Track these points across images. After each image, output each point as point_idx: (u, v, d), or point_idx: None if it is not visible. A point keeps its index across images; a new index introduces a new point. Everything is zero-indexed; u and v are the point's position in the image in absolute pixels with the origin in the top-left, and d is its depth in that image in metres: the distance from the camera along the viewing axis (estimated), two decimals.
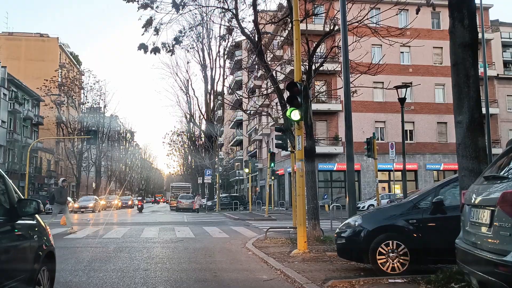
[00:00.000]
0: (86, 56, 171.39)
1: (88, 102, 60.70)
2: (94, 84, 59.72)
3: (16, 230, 4.27)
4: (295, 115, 10.26)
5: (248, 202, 44.37)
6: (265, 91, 19.45)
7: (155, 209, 48.30)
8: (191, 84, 62.72)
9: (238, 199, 40.65)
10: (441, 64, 41.89)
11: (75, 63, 74.52)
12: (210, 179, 39.18)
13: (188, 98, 45.24)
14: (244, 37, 17.39)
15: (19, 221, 4.36)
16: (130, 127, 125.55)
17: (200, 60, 44.45)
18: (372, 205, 34.32)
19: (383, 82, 42.82)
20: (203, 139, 50.25)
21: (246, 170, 30.11)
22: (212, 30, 47.98)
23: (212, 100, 44.57)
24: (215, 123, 45.65)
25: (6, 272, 3.84)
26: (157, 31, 13.70)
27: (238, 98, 30.27)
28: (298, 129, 10.70)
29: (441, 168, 40.98)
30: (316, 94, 41.70)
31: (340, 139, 39.13)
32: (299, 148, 10.72)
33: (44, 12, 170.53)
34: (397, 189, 40.09)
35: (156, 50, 13.62)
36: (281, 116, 17.78)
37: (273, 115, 22.28)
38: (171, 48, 14.56)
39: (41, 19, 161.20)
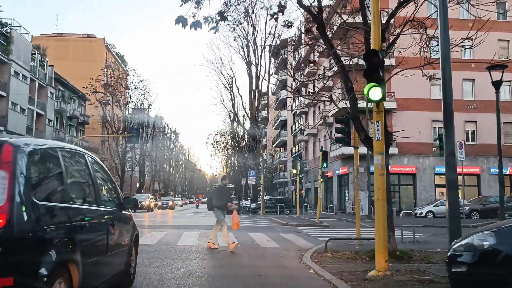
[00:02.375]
0: (132, 57, 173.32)
1: (132, 101, 59.90)
2: (138, 83, 58.89)
3: (125, 218, 6.31)
4: (376, 93, 7.73)
5: (294, 206, 41.86)
6: (323, 74, 16.54)
7: (197, 210, 46.50)
8: (235, 81, 60.76)
9: (283, 202, 38.17)
10: (507, 58, 37.91)
11: (121, 63, 74.24)
12: (254, 180, 36.92)
13: (232, 96, 43.30)
14: (295, 19, 14.84)
15: (124, 211, 6.27)
16: (175, 128, 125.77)
17: (245, 57, 42.38)
18: (431, 211, 31.05)
19: (440, 79, 39.34)
20: (246, 139, 48.13)
21: (294, 171, 27.61)
22: (258, 25, 45.86)
23: (256, 99, 42.33)
24: (259, 123, 43.36)
25: (120, 240, 5.81)
26: (198, 3, 11.43)
27: (299, 82, 27.47)
28: (377, 112, 8.19)
29: (507, 172, 36.98)
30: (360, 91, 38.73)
31: (394, 139, 35.94)
32: (378, 138, 8.18)
33: (92, 13, 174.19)
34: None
35: (196, 25, 11.30)
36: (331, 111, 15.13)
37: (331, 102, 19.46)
38: (216, 23, 12.26)
39: (89, 21, 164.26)
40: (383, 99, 7.78)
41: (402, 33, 11.20)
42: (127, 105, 59.04)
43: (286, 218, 27.82)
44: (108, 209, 5.54)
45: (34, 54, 48.60)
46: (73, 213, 4.30)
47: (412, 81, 39.20)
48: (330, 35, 21.42)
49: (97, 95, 55.22)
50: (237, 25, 37.92)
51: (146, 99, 59.99)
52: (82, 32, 72.97)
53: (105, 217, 5.35)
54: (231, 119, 46.16)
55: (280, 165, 70.98)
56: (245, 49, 42.35)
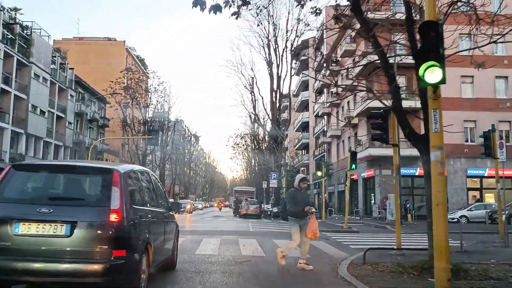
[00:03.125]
0: (151, 59, 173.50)
1: (152, 104, 59.17)
2: (158, 85, 58.12)
3: (172, 217, 8.28)
4: (434, 74, 6.26)
5: (317, 210, 40.26)
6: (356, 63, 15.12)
7: (217, 214, 45.29)
8: (256, 82, 59.55)
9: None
10: None
11: (141, 66, 73.77)
12: (276, 183, 35.51)
13: (253, 97, 42.08)
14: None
15: (170, 212, 8.21)
16: (195, 131, 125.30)
17: (266, 57, 41.07)
18: (465, 216, 29.19)
19: (473, 76, 37.45)
20: (267, 141, 46.85)
21: (319, 173, 26.10)
22: (279, 24, 44.50)
23: (278, 99, 40.97)
24: (280, 125, 41.98)
25: (170, 234, 7.67)
26: None
27: (333, 71, 26.10)
28: (434, 99, 6.72)
29: None
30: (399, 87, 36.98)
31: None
32: (436, 130, 6.71)
33: (113, 17, 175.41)
34: (490, 198, 34.51)
35: (216, 8, 10.03)
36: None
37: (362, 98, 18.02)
38: (237, 8, 10.96)
39: (111, 24, 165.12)
40: (443, 81, 6.32)
41: (452, 12, 9.70)
42: (147, 108, 58.21)
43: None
44: (163, 211, 7.43)
45: (55, 57, 48.21)
46: (148, 213, 6.26)
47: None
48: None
49: (117, 97, 54.59)
50: (260, 10, 36.77)
51: (166, 101, 59.14)
52: (102, 35, 72.41)
53: (162, 216, 7.25)
54: (252, 120, 44.97)
55: (302, 168, 69.40)
56: (266, 49, 41.09)
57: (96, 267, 4.91)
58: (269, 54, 41.07)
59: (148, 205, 6.48)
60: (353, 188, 41.55)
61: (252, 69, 54.61)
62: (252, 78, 42.21)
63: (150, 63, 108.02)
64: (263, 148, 48.42)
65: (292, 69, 43.51)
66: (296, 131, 69.38)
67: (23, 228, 4.93)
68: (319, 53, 56.72)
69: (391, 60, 14.72)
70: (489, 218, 25.38)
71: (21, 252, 4.87)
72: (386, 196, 34.07)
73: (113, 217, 5.07)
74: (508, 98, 35.45)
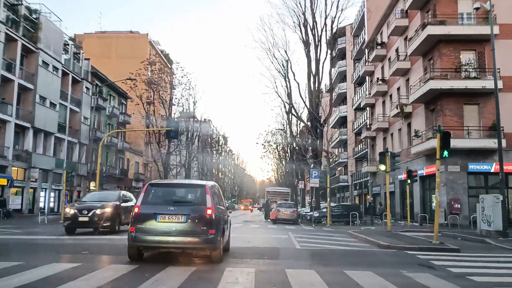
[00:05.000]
0: (176, 53, 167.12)
1: (176, 98, 53.56)
2: (182, 77, 52.47)
3: (227, 213, 11.19)
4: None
5: (366, 214, 33.57)
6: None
7: (248, 219, 38.98)
8: (290, 66, 52.96)
9: (353, 210, 29.97)
10: None
11: (166, 61, 68.39)
12: (317, 183, 28.99)
13: (288, 83, 35.70)
14: None
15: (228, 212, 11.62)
16: (223, 132, 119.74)
17: (302, 37, 34.65)
18: None
19: None
20: (304, 135, 40.45)
21: (382, 167, 19.46)
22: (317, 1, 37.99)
23: (317, 85, 34.46)
24: (319, 114, 35.44)
25: (228, 223, 10.98)
26: None
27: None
28: None
29: None
30: (460, 65, 30.05)
31: (501, 128, 27.06)
32: None
33: (136, 11, 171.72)
34: None
35: None
36: None
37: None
38: None
39: (134, 19, 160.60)
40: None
41: None
42: (171, 102, 52.53)
43: (370, 232, 19.71)
44: (225, 209, 11.05)
45: (68, 45, 43.06)
46: (222, 210, 10.08)
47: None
48: None
49: (138, 91, 49.10)
50: None
51: (191, 95, 53.37)
52: (125, 29, 67.59)
53: (225, 212, 10.82)
54: (287, 110, 38.47)
55: (339, 168, 62.52)
56: (302, 28, 34.66)
57: (200, 239, 8.76)
58: (306, 33, 34.64)
59: (221, 204, 10.52)
60: (404, 189, 34.67)
61: (286, 52, 47.50)
62: (287, 61, 35.58)
63: (175, 57, 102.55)
64: (299, 144, 41.99)
65: (334, 50, 36.81)
66: (332, 127, 62.58)
67: (161, 218, 8.79)
68: (359, 39, 49.84)
69: None
70: None
71: (160, 232, 8.75)
72: (456, 197, 27.14)
73: (209, 212, 8.96)
74: None
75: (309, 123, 35.48)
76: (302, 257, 10.88)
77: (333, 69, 62.45)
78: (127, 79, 36.85)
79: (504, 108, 27.59)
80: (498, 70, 27.63)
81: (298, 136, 45.69)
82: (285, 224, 29.19)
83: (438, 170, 14.27)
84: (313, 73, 34.78)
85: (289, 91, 35.96)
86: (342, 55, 57.78)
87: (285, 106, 37.97)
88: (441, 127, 29.17)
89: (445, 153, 13.80)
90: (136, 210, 8.99)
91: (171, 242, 8.75)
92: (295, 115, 37.57)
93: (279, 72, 35.71)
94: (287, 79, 35.84)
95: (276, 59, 35.83)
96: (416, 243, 13.64)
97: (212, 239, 8.75)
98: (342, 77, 58.37)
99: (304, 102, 35.85)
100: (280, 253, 11.41)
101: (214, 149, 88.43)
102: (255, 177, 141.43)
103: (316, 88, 34.54)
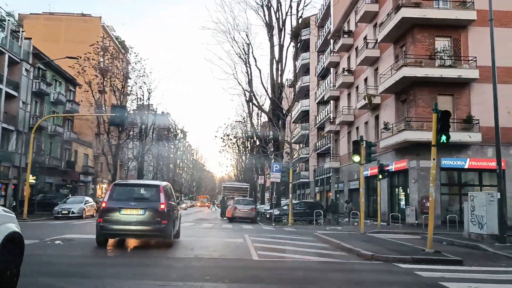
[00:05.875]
0: (132, 43, 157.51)
1: (129, 86, 49.22)
2: (136, 63, 48.19)
3: (176, 207, 13.28)
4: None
5: (329, 212, 30.76)
6: None
7: (202, 217, 35.45)
8: (252, 51, 49.53)
9: (316, 207, 27.02)
10: None
11: (120, 47, 63.57)
12: (279, 177, 25.86)
13: (249, 69, 32.28)
14: None
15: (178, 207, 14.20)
16: (182, 126, 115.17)
17: (265, 19, 31.42)
18: None
19: None
20: (265, 127, 37.28)
21: (356, 158, 16.43)
22: None
23: (279, 72, 31.33)
24: (282, 104, 32.36)
25: (178, 215, 13.36)
26: None
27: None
28: None
29: None
30: (435, 52, 27.62)
31: (476, 122, 24.82)
32: None
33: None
34: None
35: None
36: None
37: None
38: None
39: (88, 2, 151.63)
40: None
41: None
42: (123, 89, 48.10)
43: (341, 235, 16.66)
44: (175, 204, 13.15)
45: (4, 21, 38.09)
46: (173, 205, 12.30)
47: (497, 43, 26.07)
48: None
49: (87, 77, 44.55)
50: None
51: (145, 82, 49.05)
52: (76, 11, 62.30)
53: (176, 207, 12.96)
54: (247, 99, 35.10)
55: (300, 164, 59.84)
56: (266, 10, 31.43)
57: (155, 227, 10.80)
58: (269, 16, 31.44)
59: (172, 201, 12.50)
60: (370, 186, 32.17)
61: (247, 35, 44.08)
62: (248, 45, 32.27)
63: (131, 44, 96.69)
64: (260, 136, 38.82)
65: (299, 36, 33.77)
66: (294, 122, 59.79)
67: (124, 211, 10.82)
68: (324, 31, 47.09)
69: None
70: None
71: (123, 222, 10.79)
72: (428, 195, 24.59)
73: (162, 206, 11.02)
74: None
75: (271, 113, 32.35)
76: (263, 279, 7.55)
77: (296, 62, 59.74)
78: (67, 57, 32.33)
79: (480, 100, 25.46)
80: (474, 59, 25.50)
81: (260, 128, 42.48)
82: (243, 223, 25.93)
83: (433, 159, 11.33)
84: (276, 59, 31.66)
85: (250, 77, 32.70)
86: (305, 47, 54.97)
87: (245, 95, 34.67)
88: (414, 119, 26.91)
89: (443, 137, 10.85)
90: (103, 205, 11.22)
91: (132, 230, 10.90)
92: (256, 104, 34.34)
93: (240, 57, 32.42)
94: (248, 65, 32.57)
95: (237, 42, 32.50)
96: (406, 252, 10.61)
97: (164, 228, 10.92)
98: (305, 70, 55.64)
99: (266, 90, 32.70)
100: (230, 273, 8.02)
101: (171, 143, 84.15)
102: (215, 173, 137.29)
103: (279, 75, 31.39)
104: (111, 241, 11.81)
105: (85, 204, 29.55)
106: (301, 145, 57.77)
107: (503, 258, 11.11)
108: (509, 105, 25.44)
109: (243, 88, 34.94)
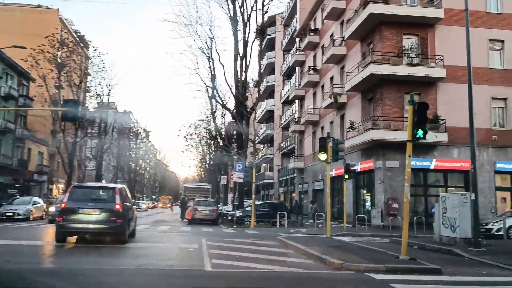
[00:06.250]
0: (93, 38, 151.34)
1: (87, 81, 46.74)
2: (95, 58, 45.80)
3: (132, 208, 14.29)
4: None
5: (293, 213, 29.61)
6: None
7: (161, 218, 33.65)
8: (215, 46, 47.68)
9: (280, 208, 25.80)
10: None
11: (78, 41, 60.58)
12: (241, 177, 24.51)
13: (212, 64, 30.75)
14: None
15: (133, 206, 15.34)
16: (145, 126, 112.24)
17: (230, 13, 30.03)
18: None
19: (503, 41, 27.98)
20: (230, 125, 35.88)
21: (323, 157, 15.23)
22: None
23: (244, 68, 29.99)
24: (246, 102, 31.04)
25: (134, 216, 14.48)
26: None
27: None
28: None
29: None
30: (402, 50, 26.96)
31: (442, 122, 24.23)
32: None
33: None
34: None
35: None
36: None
37: None
38: None
39: None
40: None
41: None
42: (80, 85, 45.53)
43: (305, 239, 15.46)
44: (131, 205, 13.79)
45: None
46: (128, 206, 13.03)
47: (463, 42, 25.32)
48: None
49: (41, 71, 41.92)
50: None
51: (104, 78, 46.66)
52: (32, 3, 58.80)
53: (131, 208, 13.81)
54: (209, 95, 33.59)
55: (264, 164, 58.71)
56: (230, 3, 30.02)
57: (111, 226, 11.77)
58: (234, 9, 30.04)
59: (127, 202, 13.17)
60: (335, 186, 31.26)
61: (210, 29, 42.37)
62: (211, 39, 30.75)
63: (91, 39, 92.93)
64: (223, 134, 37.33)
65: (265, 33, 32.54)
66: (258, 122, 58.62)
67: (81, 211, 11.67)
68: (290, 29, 46.13)
69: None
70: None
71: (81, 221, 11.67)
72: (394, 196, 23.86)
73: (117, 207, 11.92)
74: None
75: (234, 111, 30.98)
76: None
77: (261, 60, 58.56)
78: (14, 46, 29.85)
79: (446, 99, 24.90)
80: (442, 58, 24.96)
81: (223, 126, 40.97)
82: (203, 225, 24.42)
83: (409, 156, 10.25)
84: (240, 54, 30.28)
85: (212, 73, 31.15)
86: (271, 46, 53.94)
87: (207, 91, 33.10)
88: (380, 119, 26.12)
89: (420, 132, 9.79)
90: (63, 205, 12.08)
91: (90, 229, 11.93)
92: (219, 101, 32.83)
93: (202, 51, 30.81)
94: (211, 60, 31.00)
95: (199, 36, 31.10)
96: (379, 260, 9.42)
97: (119, 226, 11.88)
98: (270, 69, 54.54)
99: (229, 87, 31.30)
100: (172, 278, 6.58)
101: (133, 142, 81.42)
102: (179, 174, 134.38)
103: (244, 72, 30.05)
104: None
105: (32, 205, 27.30)
106: (266, 145, 56.70)
107: (480, 264, 10.13)
108: (475, 106, 24.98)
109: (205, 84, 33.45)
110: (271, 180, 53.50)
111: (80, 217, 11.62)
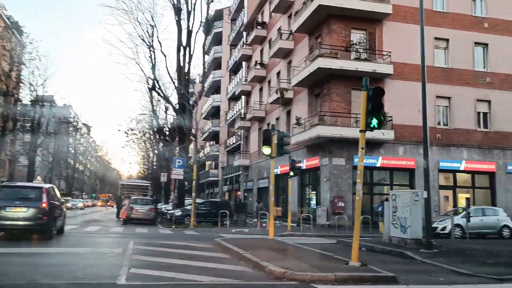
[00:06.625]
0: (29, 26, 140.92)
1: (16, 70, 42.99)
2: (26, 45, 42.19)
3: (61, 206, 15.70)
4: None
5: (236, 213, 28.22)
6: None
7: (95, 218, 31.19)
8: (157, 35, 45.52)
9: (223, 207, 24.25)
10: None
11: (12, 28, 56.02)
12: (182, 173, 22.80)
13: (153, 54, 28.70)
14: None
15: (62, 205, 16.12)
16: (86, 121, 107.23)
17: (173, 0, 28.14)
18: (460, 226, 18.91)
19: (448, 39, 27.93)
20: (172, 119, 33.93)
21: (266, 151, 13.87)
22: None
23: (187, 59, 28.24)
24: (189, 96, 29.27)
25: (62, 213, 15.48)
26: None
27: None
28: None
29: None
30: (350, 45, 26.25)
31: (389, 119, 23.66)
32: None
33: None
34: (464, 200, 25.02)
35: None
36: None
37: None
38: None
39: None
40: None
41: None
42: (10, 73, 41.79)
43: (246, 242, 14.11)
44: (59, 204, 15.00)
45: None
46: (55, 204, 14.08)
47: (410, 39, 24.78)
48: None
49: None
50: None
51: (37, 67, 43.11)
52: None
53: (60, 206, 14.95)
54: (150, 86, 31.39)
55: (209, 162, 56.98)
56: None
57: (37, 223, 12.50)
58: None
59: (55, 200, 14.19)
60: (280, 185, 30.23)
61: (152, 17, 40.08)
62: (152, 27, 28.70)
63: (26, 26, 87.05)
64: (165, 127, 35.29)
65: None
66: (204, 118, 56.79)
67: (8, 209, 12.40)
68: (237, 24, 44.77)
69: None
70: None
71: (9, 218, 12.38)
72: (341, 194, 23.03)
73: (43, 205, 12.68)
74: (487, 72, 26.32)
75: (177, 104, 29.19)
76: None
77: (207, 55, 56.74)
78: None
79: (393, 97, 24.28)
80: (389, 54, 24.44)
81: (167, 121, 38.87)
82: (139, 226, 22.49)
83: (362, 148, 9.14)
84: (184, 45, 28.50)
85: (153, 63, 29.10)
86: (218, 40, 52.33)
87: (147, 82, 30.95)
88: (327, 114, 25.26)
89: (374, 121, 8.66)
90: None
91: (17, 225, 12.71)
92: (160, 93, 30.75)
93: (143, 40, 28.72)
94: (152, 49, 28.97)
95: (140, 24, 28.86)
96: (326, 267, 8.15)
97: (45, 223, 12.82)
98: (217, 64, 52.87)
99: (171, 79, 29.40)
100: None
101: (72, 137, 77.08)
102: (122, 172, 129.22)
103: (187, 63, 28.32)
104: None
105: None
106: (211, 142, 55.00)
107: (435, 269, 9.16)
108: (420, 104, 24.65)
109: (145, 74, 31.34)
110: (216, 178, 51.87)
111: (7, 214, 12.46)
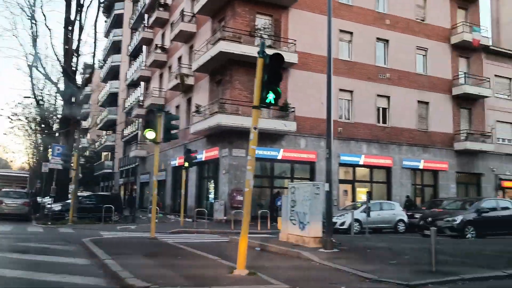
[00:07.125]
0: None
1: None
2: None
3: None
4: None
5: (125, 207, 25.57)
6: None
7: None
8: (41, 5, 40.18)
9: (111, 202, 21.49)
10: (423, 20, 27.94)
11: None
12: (60, 163, 19.74)
13: (34, 27, 24.90)
14: None
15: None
16: None
17: None
18: (358, 221, 18.37)
19: (352, 33, 27.59)
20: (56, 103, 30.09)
21: (150, 135, 11.77)
22: None
23: (77, 34, 24.90)
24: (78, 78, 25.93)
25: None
26: None
27: None
28: None
29: (421, 167, 26.78)
30: (255, 30, 24.78)
31: (292, 110, 22.62)
32: None
33: None
34: (362, 194, 24.95)
35: None
36: None
37: None
38: None
39: None
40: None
41: None
42: None
43: (122, 242, 11.96)
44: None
45: None
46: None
47: (316, 29, 23.80)
48: None
49: None
50: None
51: None
52: None
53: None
54: (31, 63, 27.20)
55: (105, 153, 52.89)
56: None
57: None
58: None
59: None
60: (178, 176, 28.10)
61: None
62: None
63: None
64: (44, 113, 31.27)
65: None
66: (100, 106, 52.51)
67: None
68: (139, 6, 41.58)
69: None
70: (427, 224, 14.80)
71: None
72: (240, 188, 21.49)
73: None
74: (387, 68, 26.48)
75: (62, 84, 25.71)
76: None
77: (106, 38, 52.44)
78: None
79: (296, 87, 23.39)
80: (294, 43, 23.41)
81: (55, 106, 34.61)
82: (7, 221, 19.13)
83: (255, 128, 7.51)
84: (72, 19, 25.13)
85: (35, 36, 25.24)
86: (119, 22, 48.48)
87: (26, 58, 26.94)
88: (228, 102, 23.60)
89: (271, 95, 7.06)
90: None
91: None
92: (42, 71, 26.82)
93: (22, 9, 24.98)
94: (33, 22, 25.11)
95: None
96: (205, 277, 6.33)
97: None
98: (117, 48, 48.97)
99: (57, 56, 25.84)
100: None
101: None
102: (13, 163, 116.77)
103: (78, 40, 25.01)
104: None
105: None
106: (107, 131, 50.96)
107: (336, 274, 7.82)
108: (322, 97, 24.03)
109: (24, 50, 27.33)
110: (111, 170, 48.08)
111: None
